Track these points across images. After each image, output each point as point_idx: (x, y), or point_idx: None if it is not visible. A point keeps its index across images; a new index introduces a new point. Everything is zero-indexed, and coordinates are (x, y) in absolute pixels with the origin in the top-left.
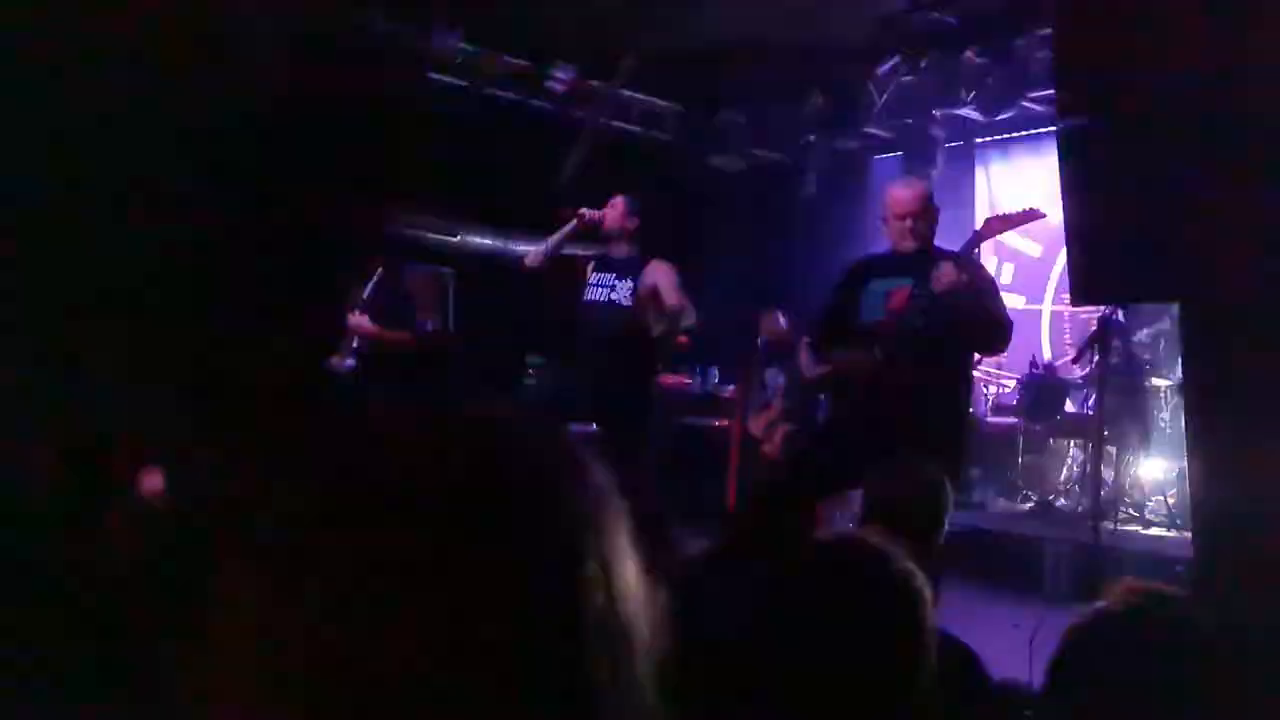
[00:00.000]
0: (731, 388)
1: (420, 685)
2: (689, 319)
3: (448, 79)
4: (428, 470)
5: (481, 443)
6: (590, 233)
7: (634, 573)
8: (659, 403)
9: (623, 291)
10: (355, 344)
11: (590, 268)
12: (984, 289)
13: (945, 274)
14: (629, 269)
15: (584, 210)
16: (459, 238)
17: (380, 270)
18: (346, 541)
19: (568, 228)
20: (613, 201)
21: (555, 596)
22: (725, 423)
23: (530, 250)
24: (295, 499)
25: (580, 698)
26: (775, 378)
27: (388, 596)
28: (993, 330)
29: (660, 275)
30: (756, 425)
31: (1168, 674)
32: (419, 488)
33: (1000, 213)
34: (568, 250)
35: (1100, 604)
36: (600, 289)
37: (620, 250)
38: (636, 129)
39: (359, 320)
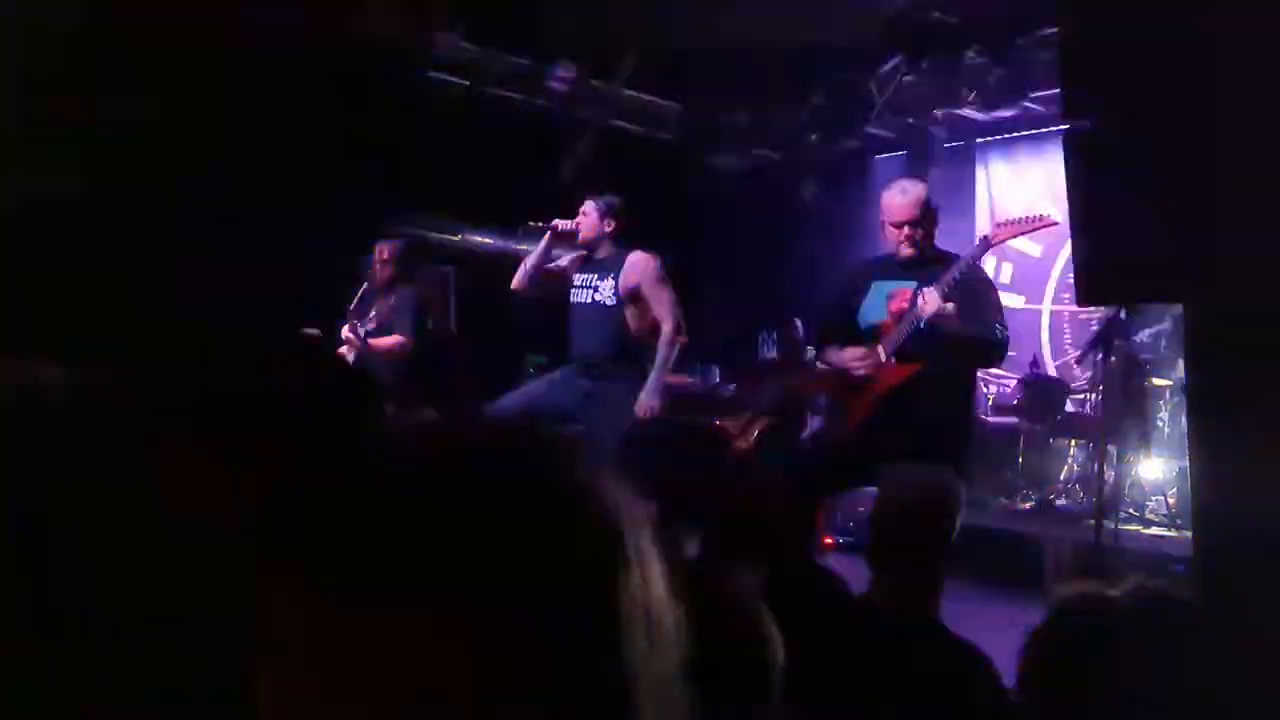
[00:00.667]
0: (732, 386)
1: (473, 672)
2: (678, 325)
3: (448, 79)
4: (477, 475)
5: (524, 449)
6: (568, 240)
7: (660, 566)
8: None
9: (605, 291)
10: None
11: (575, 268)
12: (979, 304)
13: (928, 304)
14: (609, 267)
15: (557, 221)
16: (460, 237)
17: (366, 284)
18: (416, 545)
19: (543, 242)
20: (584, 209)
21: (599, 582)
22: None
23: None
24: (346, 510)
25: (619, 677)
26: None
27: (440, 593)
28: (984, 350)
29: (639, 271)
30: (735, 421)
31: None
32: (469, 491)
33: (1009, 218)
34: (552, 263)
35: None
36: (584, 290)
37: (602, 252)
38: (637, 128)
39: (350, 336)
